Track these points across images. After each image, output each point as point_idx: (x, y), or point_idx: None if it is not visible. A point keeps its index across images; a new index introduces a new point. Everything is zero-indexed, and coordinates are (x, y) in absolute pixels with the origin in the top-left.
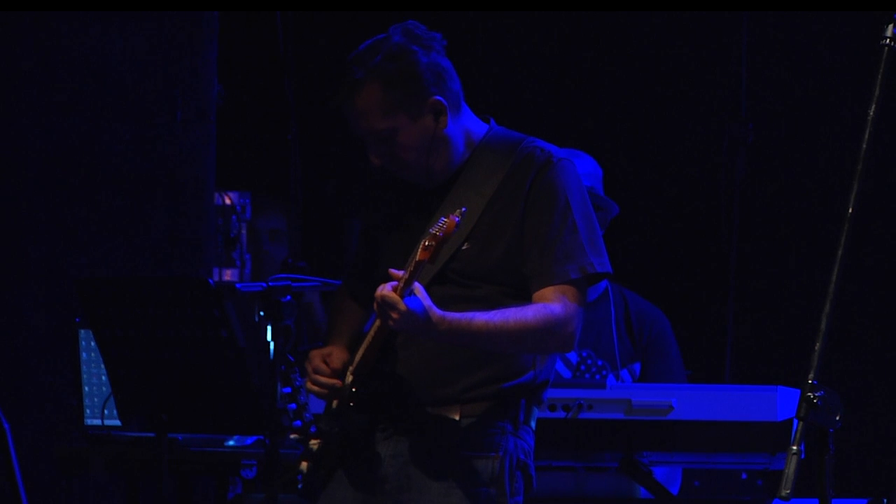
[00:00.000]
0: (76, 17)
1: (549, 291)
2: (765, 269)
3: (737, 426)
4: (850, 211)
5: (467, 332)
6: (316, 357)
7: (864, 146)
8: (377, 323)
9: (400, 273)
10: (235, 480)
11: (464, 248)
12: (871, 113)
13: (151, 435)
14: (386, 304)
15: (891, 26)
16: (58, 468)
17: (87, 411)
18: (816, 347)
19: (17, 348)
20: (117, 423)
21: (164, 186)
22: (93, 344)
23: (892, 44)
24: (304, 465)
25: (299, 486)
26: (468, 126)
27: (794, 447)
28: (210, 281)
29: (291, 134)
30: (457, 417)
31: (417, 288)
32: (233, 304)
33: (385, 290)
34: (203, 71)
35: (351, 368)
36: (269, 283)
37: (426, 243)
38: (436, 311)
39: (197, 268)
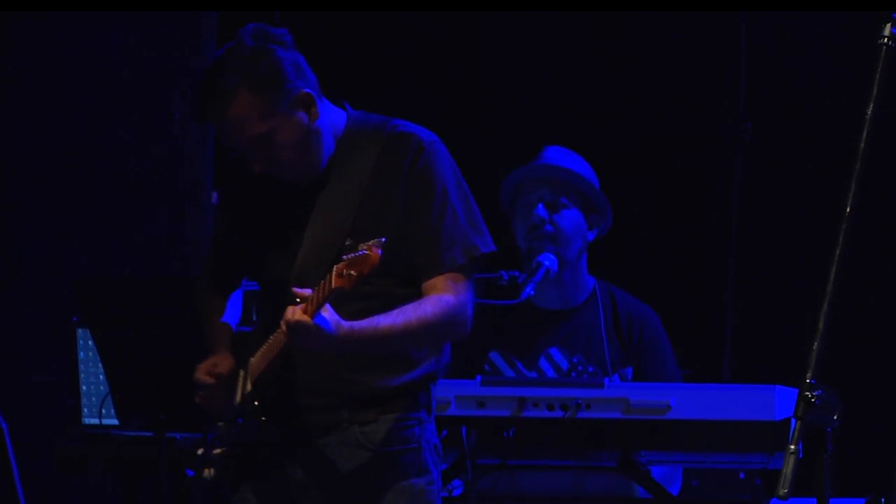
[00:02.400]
0: (75, 17)
1: (439, 281)
2: (763, 269)
3: (735, 425)
4: (848, 210)
5: (374, 339)
6: (200, 373)
7: (863, 146)
8: (281, 339)
9: (306, 293)
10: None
11: (347, 244)
12: (870, 112)
13: (149, 434)
14: (299, 328)
15: (889, 26)
16: (56, 467)
17: (85, 410)
18: (814, 347)
19: (15, 347)
20: (115, 422)
21: (162, 186)
22: (90, 343)
23: (891, 43)
24: (207, 471)
25: (197, 485)
26: (332, 117)
27: (792, 446)
28: None
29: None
30: (374, 417)
31: (326, 307)
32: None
33: (296, 313)
34: (201, 70)
35: (249, 377)
36: None
37: (343, 271)
38: (343, 326)
39: (195, 267)
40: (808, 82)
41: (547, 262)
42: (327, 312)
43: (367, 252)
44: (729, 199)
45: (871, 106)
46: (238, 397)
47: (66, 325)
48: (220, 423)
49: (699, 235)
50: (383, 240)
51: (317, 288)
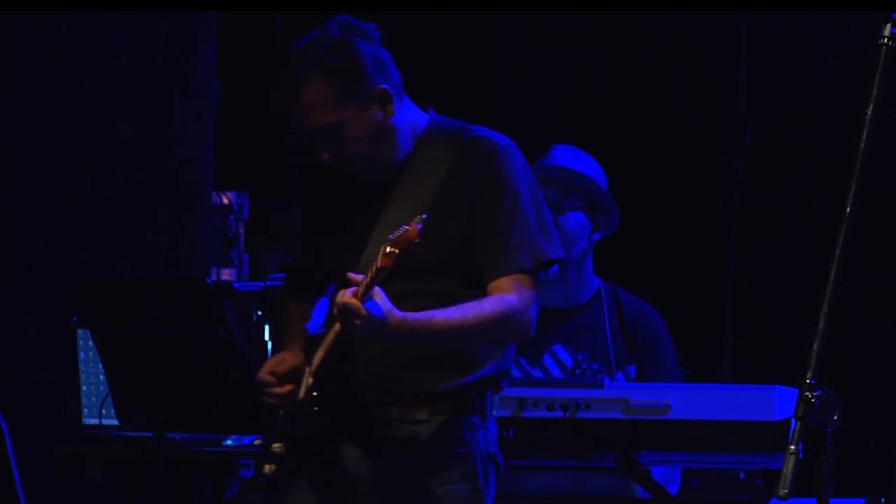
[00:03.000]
0: (75, 17)
1: (503, 282)
2: (763, 269)
3: (735, 426)
4: (849, 210)
5: (428, 332)
6: (263, 372)
7: (863, 146)
8: (336, 327)
9: (359, 278)
10: (233, 480)
11: (415, 241)
12: (870, 112)
13: (149, 434)
14: (347, 311)
15: (889, 26)
16: (55, 468)
17: (85, 411)
18: (814, 347)
19: (15, 347)
20: (115, 422)
21: (163, 186)
22: (90, 343)
23: (891, 43)
24: (268, 467)
25: (262, 485)
26: (411, 116)
27: (792, 446)
28: (208, 280)
29: (290, 133)
30: (425, 417)
31: (377, 292)
32: (231, 303)
33: (345, 296)
34: (201, 71)
35: (309, 371)
36: (267, 283)
37: (387, 249)
38: (396, 314)
39: (195, 267)
40: (809, 82)
41: None
42: (380, 299)
43: (406, 227)
44: (729, 199)
45: (871, 106)
46: (301, 393)
47: (66, 325)
48: (281, 420)
49: (699, 235)
50: (424, 216)
51: (368, 272)
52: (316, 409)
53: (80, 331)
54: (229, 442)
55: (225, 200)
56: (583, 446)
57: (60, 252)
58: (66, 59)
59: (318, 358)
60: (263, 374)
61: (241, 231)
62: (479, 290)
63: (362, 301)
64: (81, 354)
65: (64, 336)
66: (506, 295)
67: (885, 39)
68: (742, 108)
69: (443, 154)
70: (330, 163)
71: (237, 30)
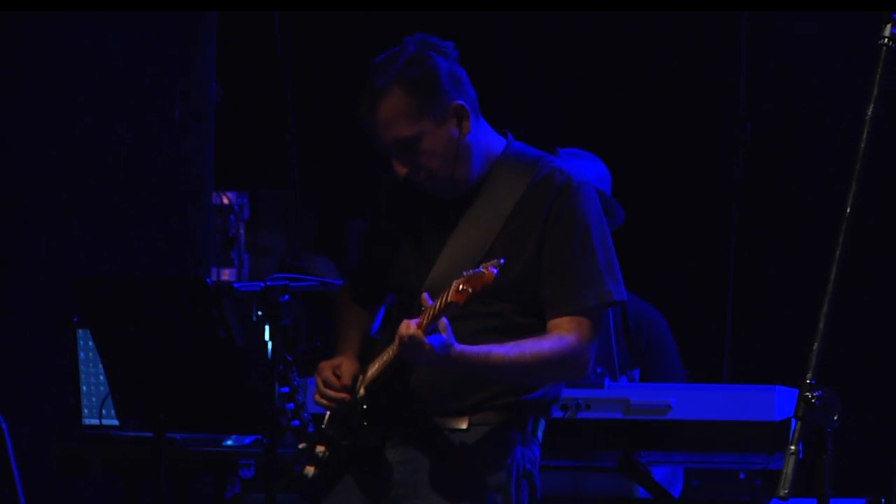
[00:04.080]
0: (74, 17)
1: (565, 321)
2: (763, 269)
3: (735, 426)
4: (849, 211)
5: (484, 366)
6: (326, 369)
7: (863, 146)
8: (393, 350)
9: (429, 303)
10: (233, 480)
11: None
12: (870, 112)
13: (149, 435)
14: (411, 343)
15: (889, 26)
16: (56, 468)
17: (85, 411)
18: (815, 347)
19: (15, 348)
20: (115, 422)
21: (163, 186)
22: (91, 343)
23: (891, 43)
24: (308, 469)
25: (303, 487)
26: (487, 139)
27: (793, 447)
28: (208, 280)
29: (290, 134)
30: (465, 426)
31: (444, 324)
32: (231, 303)
33: (411, 327)
34: (201, 71)
35: (364, 383)
36: (267, 283)
37: (460, 287)
38: (455, 348)
39: (195, 267)
40: (808, 83)
41: None
42: (445, 332)
43: (482, 270)
44: (729, 199)
45: (871, 106)
46: (354, 405)
47: (67, 325)
48: (329, 424)
49: (699, 236)
50: (502, 261)
51: (436, 301)
52: (365, 423)
53: (80, 331)
54: (229, 442)
55: (225, 200)
56: (583, 446)
57: (61, 252)
58: (65, 60)
59: (371, 372)
60: (327, 374)
61: (242, 231)
62: (536, 319)
63: (425, 332)
64: (82, 355)
65: (64, 336)
66: (566, 335)
67: (886, 39)
68: (742, 108)
69: (517, 182)
70: (405, 177)
71: (237, 30)
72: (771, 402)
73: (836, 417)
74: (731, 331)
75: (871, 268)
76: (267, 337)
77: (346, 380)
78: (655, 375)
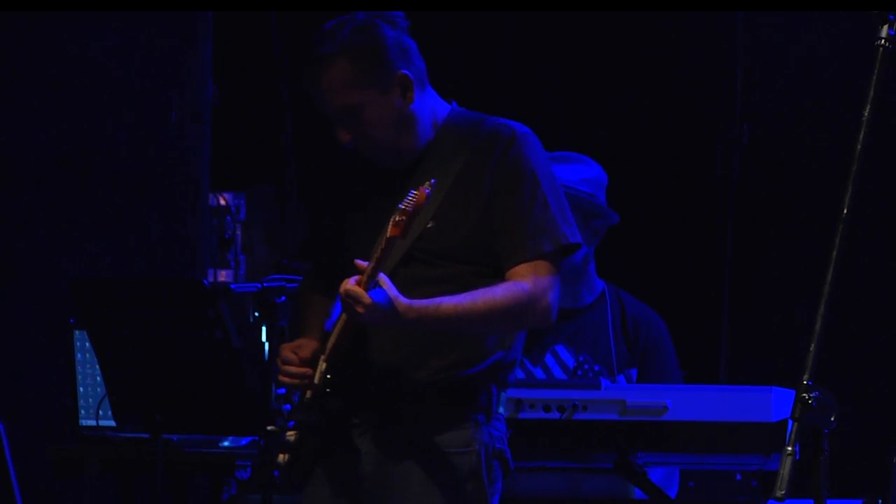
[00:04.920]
0: (71, 18)
1: (522, 268)
2: (760, 270)
3: (731, 427)
4: (845, 212)
5: (436, 318)
6: (285, 349)
7: (859, 147)
8: (345, 315)
9: (365, 264)
10: (230, 481)
11: (429, 226)
12: (866, 114)
13: (146, 436)
14: (350, 299)
15: (885, 27)
16: (52, 469)
17: (82, 412)
18: (811, 348)
19: (12, 348)
20: (112, 423)
21: (159, 187)
22: (87, 344)
23: (887, 45)
24: (282, 457)
25: (278, 478)
26: (433, 105)
27: (789, 448)
28: (205, 282)
29: (286, 135)
30: (430, 410)
31: (382, 279)
32: (227, 305)
33: (349, 283)
34: (198, 72)
35: (323, 356)
36: (264, 284)
37: (396, 219)
38: (402, 301)
39: (191, 269)
40: (805, 84)
41: None
42: (385, 286)
43: (415, 192)
44: (726, 201)
45: (868, 107)
46: (316, 378)
47: (63, 326)
48: (295, 408)
49: (696, 237)
50: (433, 181)
51: (373, 256)
52: (328, 390)
53: (77, 332)
54: (226, 443)
55: (222, 202)
56: (579, 447)
57: (57, 253)
58: (62, 61)
59: (330, 343)
60: (286, 354)
61: (238, 232)
62: (493, 279)
63: (366, 288)
64: (78, 356)
65: (61, 337)
66: (520, 281)
67: (882, 41)
68: (739, 109)
69: (462, 142)
70: (349, 144)
71: (234, 31)
72: (767, 403)
73: (832, 418)
74: (728, 332)
75: (868, 269)
76: (264, 338)
77: (306, 354)
78: (653, 376)
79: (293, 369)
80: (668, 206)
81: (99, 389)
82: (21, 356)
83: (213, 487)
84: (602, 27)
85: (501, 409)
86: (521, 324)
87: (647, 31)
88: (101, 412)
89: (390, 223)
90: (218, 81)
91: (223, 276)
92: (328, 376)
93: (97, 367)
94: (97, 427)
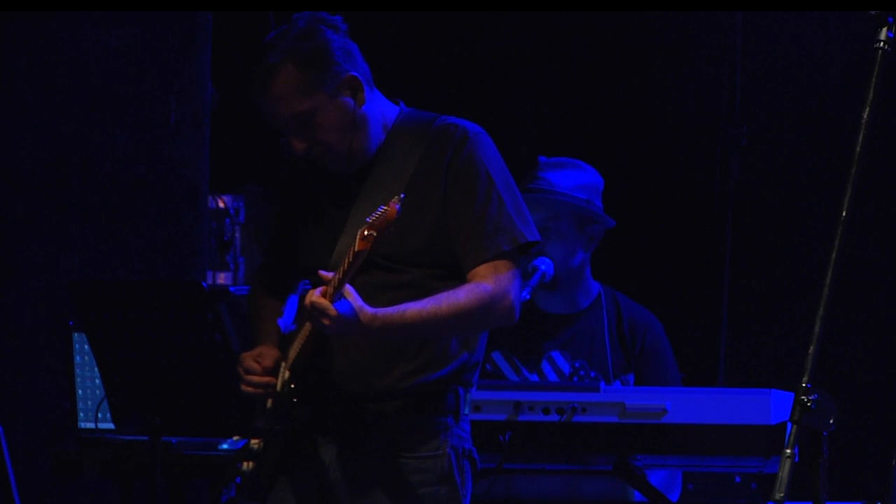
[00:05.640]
0: (69, 19)
1: (482, 268)
2: (759, 272)
3: (731, 429)
4: (844, 214)
5: (401, 326)
6: (247, 358)
7: (858, 149)
8: (308, 325)
9: (329, 275)
10: (229, 484)
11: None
12: (865, 116)
13: (145, 438)
14: (316, 311)
15: (884, 29)
16: (51, 471)
17: (81, 414)
18: (810, 351)
19: (11, 351)
20: (111, 426)
21: (158, 189)
22: (86, 347)
23: (886, 47)
24: (246, 464)
25: (240, 485)
26: (382, 109)
27: (788, 450)
28: (204, 284)
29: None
30: (397, 416)
31: (348, 290)
32: (227, 307)
33: (315, 295)
34: (197, 74)
35: (286, 364)
36: None
37: (365, 233)
38: (367, 311)
39: (190, 271)
40: (804, 85)
41: (543, 267)
42: (350, 297)
43: (384, 207)
44: (725, 202)
45: (867, 109)
46: (278, 386)
47: (62, 328)
48: (259, 416)
49: (694, 239)
50: (402, 196)
51: (339, 268)
52: (294, 400)
53: (76, 335)
54: (225, 446)
55: (221, 204)
56: (579, 450)
57: (56, 256)
58: (61, 64)
59: (293, 352)
60: (248, 363)
61: (237, 235)
62: (453, 282)
63: (332, 300)
64: (77, 358)
65: (60, 340)
66: (482, 282)
67: (881, 43)
68: (737, 111)
69: (414, 143)
70: (303, 153)
71: (232, 33)
72: (767, 406)
73: (831, 421)
74: (727, 334)
75: (867, 271)
76: None
77: (268, 363)
78: (652, 379)
79: (256, 379)
80: (667, 207)
81: (98, 392)
82: (20, 358)
83: (211, 490)
84: (601, 28)
85: (467, 410)
86: (486, 325)
87: (645, 31)
88: (100, 415)
89: (357, 236)
90: (217, 84)
91: (222, 278)
92: (292, 385)
93: (96, 369)
94: (96, 429)
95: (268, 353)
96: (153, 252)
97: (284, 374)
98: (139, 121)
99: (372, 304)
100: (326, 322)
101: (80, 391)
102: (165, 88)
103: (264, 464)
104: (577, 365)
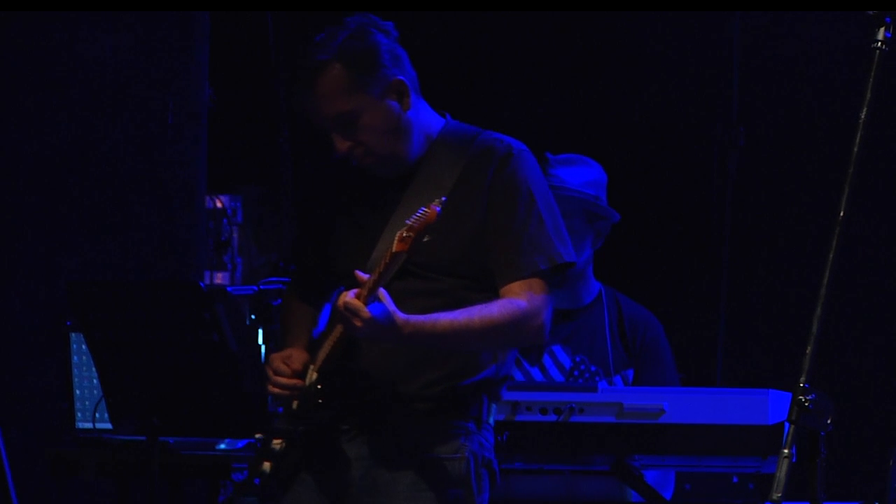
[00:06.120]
0: (67, 19)
1: (516, 285)
2: (756, 272)
3: (728, 429)
4: (842, 214)
5: (432, 334)
6: (276, 360)
7: (856, 149)
8: (340, 327)
9: (365, 277)
10: (226, 484)
11: (424, 240)
12: (863, 116)
13: (142, 438)
14: (349, 312)
15: (882, 30)
16: (49, 471)
17: (79, 414)
18: (808, 351)
19: (8, 351)
20: (108, 426)
21: (156, 189)
22: (84, 347)
23: (884, 47)
24: (266, 465)
25: (258, 486)
26: (427, 118)
27: (786, 450)
28: (201, 284)
29: (283, 137)
30: (420, 418)
31: (382, 293)
32: (224, 307)
33: (348, 297)
34: (194, 74)
35: (314, 367)
36: (261, 287)
37: (403, 234)
38: (400, 316)
39: (188, 271)
40: (802, 86)
41: None
42: (384, 300)
43: (425, 209)
44: (722, 203)
45: (865, 110)
46: (306, 389)
47: (60, 329)
48: (282, 417)
49: (692, 239)
50: (444, 199)
51: (375, 270)
52: (320, 401)
53: (73, 335)
54: (223, 446)
55: (218, 204)
56: (576, 450)
57: (54, 256)
58: (59, 63)
59: (322, 354)
60: (277, 364)
61: (235, 235)
62: (485, 294)
63: (366, 302)
64: (75, 358)
65: (57, 340)
66: (515, 298)
67: (879, 43)
68: (735, 111)
69: (457, 155)
70: (345, 154)
71: (230, 33)
72: (764, 406)
73: (829, 421)
74: (725, 334)
75: (865, 271)
76: (260, 340)
77: (297, 366)
78: (649, 378)
79: (284, 381)
80: (665, 207)
81: (95, 392)
82: (18, 359)
83: (209, 490)
84: (600, 28)
85: (492, 420)
86: (515, 342)
87: (644, 32)
88: (97, 415)
89: (396, 238)
90: (214, 84)
91: (219, 278)
92: (319, 387)
93: (94, 369)
94: (94, 430)
95: (297, 356)
96: (150, 252)
97: (312, 375)
98: (137, 120)
99: (403, 310)
100: (358, 324)
101: (77, 391)
102: (163, 89)
103: (283, 465)
104: (577, 359)
